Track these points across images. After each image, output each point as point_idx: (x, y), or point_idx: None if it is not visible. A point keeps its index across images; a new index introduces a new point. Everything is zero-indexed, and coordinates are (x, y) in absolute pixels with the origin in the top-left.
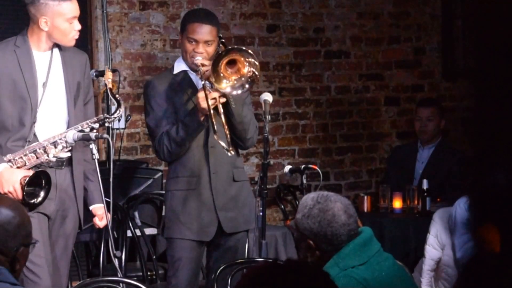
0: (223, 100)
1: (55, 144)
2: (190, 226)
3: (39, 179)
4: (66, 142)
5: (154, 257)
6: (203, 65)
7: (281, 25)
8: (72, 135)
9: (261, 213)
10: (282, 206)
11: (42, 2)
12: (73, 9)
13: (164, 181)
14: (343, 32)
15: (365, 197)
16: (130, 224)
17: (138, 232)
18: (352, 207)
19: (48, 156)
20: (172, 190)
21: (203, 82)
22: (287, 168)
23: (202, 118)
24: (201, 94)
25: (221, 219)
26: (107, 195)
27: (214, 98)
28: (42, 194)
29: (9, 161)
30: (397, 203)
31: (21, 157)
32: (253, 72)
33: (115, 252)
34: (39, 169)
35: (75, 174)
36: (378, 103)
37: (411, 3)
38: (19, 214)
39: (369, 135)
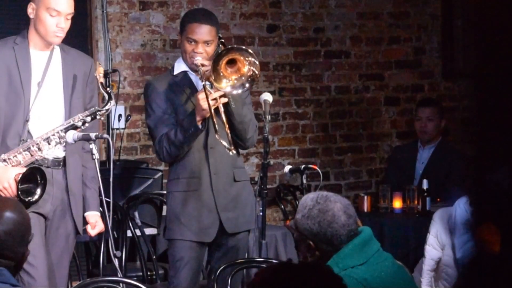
0: (224, 100)
1: (48, 141)
2: (190, 227)
3: (33, 176)
4: (59, 137)
5: (154, 257)
6: (203, 65)
7: (281, 25)
8: (72, 135)
9: (261, 213)
10: (282, 206)
11: None
12: (60, 1)
13: (164, 181)
14: (343, 32)
15: (365, 197)
16: (130, 224)
17: (138, 232)
18: (352, 207)
19: (42, 153)
20: (173, 191)
21: (203, 83)
22: (287, 168)
23: (199, 122)
24: (201, 95)
25: (222, 220)
26: (107, 195)
27: (215, 99)
28: (38, 191)
29: (4, 160)
30: (397, 203)
31: (15, 156)
32: (253, 71)
33: (115, 252)
34: (33, 166)
35: (69, 178)
36: (378, 103)
37: (411, 3)
38: (23, 217)
39: (369, 135)
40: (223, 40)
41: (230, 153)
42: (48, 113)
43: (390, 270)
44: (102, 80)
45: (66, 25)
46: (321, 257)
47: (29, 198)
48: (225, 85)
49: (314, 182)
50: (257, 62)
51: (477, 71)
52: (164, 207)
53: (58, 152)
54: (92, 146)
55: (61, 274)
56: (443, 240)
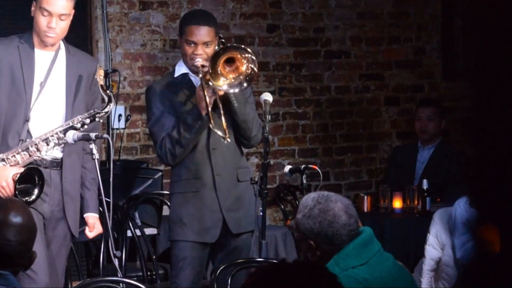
0: (221, 92)
1: (47, 141)
2: (193, 228)
3: (31, 177)
4: (58, 138)
5: (154, 257)
6: (203, 66)
7: (281, 25)
8: (72, 135)
9: (261, 213)
10: (282, 206)
11: None
12: (52, 2)
13: (165, 181)
14: (343, 32)
15: (365, 197)
16: (130, 224)
17: (138, 232)
18: (353, 207)
19: (40, 153)
20: (176, 193)
21: (199, 76)
22: (287, 168)
23: (204, 113)
24: (199, 87)
25: (227, 220)
26: (107, 195)
27: (213, 89)
28: (35, 191)
29: (2, 160)
30: (397, 203)
31: (14, 156)
32: (252, 70)
33: (115, 252)
34: (31, 166)
35: (65, 179)
36: (378, 103)
37: (411, 3)
38: (31, 220)
39: (369, 135)
40: (223, 40)
41: (225, 141)
42: (49, 114)
43: (390, 271)
44: (102, 82)
45: (58, 25)
46: (322, 257)
47: (27, 198)
48: (222, 84)
49: (314, 182)
50: (255, 60)
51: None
52: (164, 207)
53: (56, 153)
54: (92, 146)
55: (58, 271)
56: (443, 240)
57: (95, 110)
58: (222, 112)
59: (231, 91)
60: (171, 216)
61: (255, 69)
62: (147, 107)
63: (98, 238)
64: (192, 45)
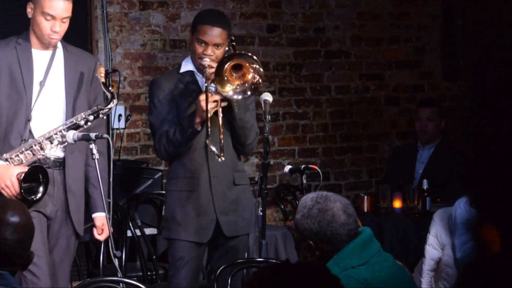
0: (224, 104)
1: (50, 140)
2: (186, 227)
3: (36, 175)
4: (62, 136)
5: (154, 257)
6: (210, 66)
7: (281, 25)
8: (72, 135)
9: (261, 213)
10: (282, 206)
11: None
12: (55, 6)
13: (165, 181)
14: (343, 32)
15: (365, 197)
16: (130, 224)
17: (138, 232)
18: (352, 207)
19: (44, 152)
20: (171, 190)
21: (206, 84)
22: (287, 168)
23: (198, 124)
24: (202, 97)
25: (221, 223)
26: (107, 195)
27: (216, 101)
28: (41, 189)
29: (6, 159)
30: (397, 203)
31: (17, 155)
32: (258, 79)
33: (115, 252)
34: (35, 164)
35: (68, 178)
36: (378, 103)
37: (411, 3)
38: (28, 219)
39: (369, 135)
40: (234, 44)
41: (219, 159)
42: (50, 113)
43: (390, 271)
44: (103, 79)
45: (61, 28)
46: (322, 257)
47: (32, 196)
48: (228, 89)
49: (314, 182)
50: (261, 70)
51: (476, 72)
52: (164, 207)
53: (58, 152)
54: (92, 146)
55: (62, 275)
56: (443, 240)
57: (98, 106)
58: (221, 129)
59: (234, 97)
60: (166, 214)
61: (260, 80)
62: (150, 99)
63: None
64: (203, 44)
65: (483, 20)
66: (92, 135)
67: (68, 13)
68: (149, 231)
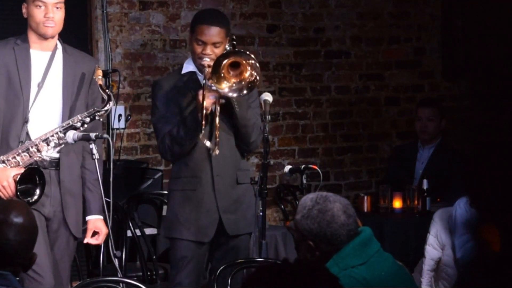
0: (222, 101)
1: (47, 142)
2: (188, 227)
3: (32, 177)
4: (58, 138)
5: (154, 257)
6: (209, 66)
7: (281, 25)
8: (72, 135)
9: (261, 213)
10: (282, 206)
11: None
12: None
13: (165, 181)
14: (343, 32)
15: (365, 197)
16: (130, 224)
17: (138, 232)
18: (351, 207)
19: (41, 154)
20: (174, 189)
21: (204, 81)
22: (287, 168)
23: (199, 115)
24: (200, 91)
25: (224, 222)
26: (107, 195)
27: (214, 97)
28: (37, 191)
29: (3, 162)
30: (397, 203)
31: (14, 157)
32: (255, 77)
33: (115, 252)
34: (32, 166)
35: (64, 178)
36: (378, 103)
37: (411, 3)
38: (31, 220)
39: (369, 135)
40: (234, 43)
41: (213, 153)
42: (48, 115)
43: (390, 270)
44: (101, 82)
45: (56, 15)
46: (321, 257)
47: (29, 198)
48: (224, 87)
49: (314, 182)
50: (259, 69)
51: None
52: (164, 207)
53: (55, 153)
54: (92, 146)
55: (62, 274)
56: (443, 240)
57: (95, 108)
58: (217, 124)
59: (230, 95)
60: (168, 213)
61: (258, 77)
62: (152, 101)
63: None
64: (201, 44)
65: (483, 20)
66: (92, 135)
67: None
68: (149, 231)
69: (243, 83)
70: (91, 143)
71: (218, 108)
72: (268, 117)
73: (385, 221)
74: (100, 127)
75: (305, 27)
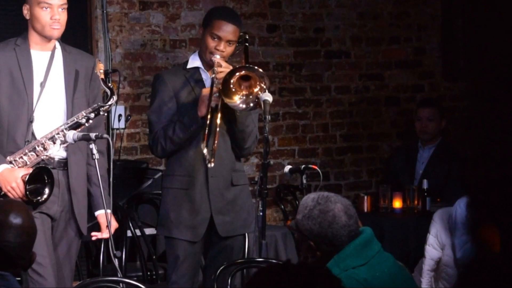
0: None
1: (53, 140)
2: (179, 226)
3: (40, 176)
4: (64, 136)
5: (154, 257)
6: (218, 65)
7: (281, 25)
8: (72, 135)
9: (261, 213)
10: (282, 206)
11: None
12: None
13: None
14: (343, 32)
15: (365, 197)
16: (130, 224)
17: (138, 232)
18: (353, 208)
19: (47, 152)
20: (167, 187)
21: (212, 76)
22: (287, 168)
23: (201, 115)
24: (205, 90)
25: (216, 223)
26: (108, 193)
27: (219, 96)
28: (46, 191)
29: (10, 162)
30: (397, 203)
31: (21, 157)
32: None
33: (115, 252)
34: (39, 165)
35: (71, 177)
36: (378, 103)
37: (411, 3)
38: (30, 220)
39: (369, 135)
40: (247, 44)
41: (209, 165)
42: (51, 114)
43: (391, 271)
44: (102, 76)
45: (61, 16)
46: (322, 257)
47: (38, 198)
48: (231, 97)
49: (314, 182)
50: (267, 87)
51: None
52: (160, 204)
53: (62, 152)
54: (92, 146)
55: (65, 275)
56: (443, 240)
57: (99, 104)
58: (217, 135)
59: (236, 107)
60: (161, 211)
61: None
62: (152, 94)
63: (97, 239)
64: (216, 39)
65: (483, 20)
66: (92, 135)
67: (64, 0)
68: (149, 231)
69: (251, 97)
70: (91, 143)
71: (220, 117)
72: (268, 117)
73: (385, 221)
74: (103, 123)
75: (305, 27)
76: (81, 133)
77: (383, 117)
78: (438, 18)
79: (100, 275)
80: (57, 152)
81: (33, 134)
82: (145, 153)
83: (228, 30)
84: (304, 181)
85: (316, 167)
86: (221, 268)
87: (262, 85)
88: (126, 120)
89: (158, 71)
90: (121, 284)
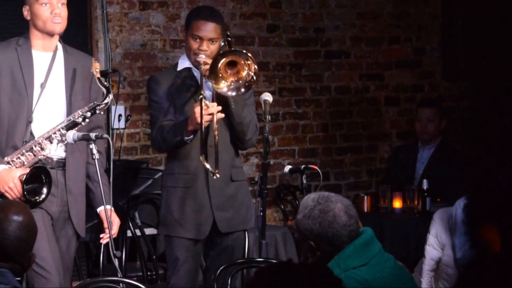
0: (221, 115)
1: (50, 139)
2: (183, 224)
3: (38, 176)
4: (61, 135)
5: (154, 257)
6: (205, 63)
7: (281, 25)
8: (72, 135)
9: (261, 213)
10: (282, 206)
11: None
12: None
13: None
14: (343, 32)
15: (365, 197)
16: (130, 224)
17: (138, 232)
18: (353, 208)
19: (44, 152)
20: (168, 186)
21: (200, 97)
22: (287, 168)
23: (189, 132)
24: (197, 108)
25: (217, 219)
26: (108, 192)
27: (211, 114)
28: (44, 190)
29: (8, 162)
30: (397, 203)
31: (19, 157)
32: (252, 77)
33: (115, 252)
34: (37, 165)
35: (68, 178)
36: (378, 103)
37: (411, 3)
38: (30, 218)
39: (369, 135)
40: (229, 39)
41: (214, 177)
42: (51, 114)
43: (391, 271)
44: (98, 75)
45: (61, 11)
46: (322, 257)
47: (36, 197)
48: (222, 86)
49: (314, 182)
50: (256, 67)
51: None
52: (160, 203)
53: (61, 152)
54: (92, 146)
55: (64, 274)
56: (443, 240)
57: (95, 102)
58: (217, 145)
59: (229, 94)
60: (162, 210)
61: (255, 77)
62: (148, 96)
63: (98, 238)
64: (198, 40)
65: (483, 20)
66: (92, 135)
67: None
68: (149, 231)
69: (240, 82)
70: (90, 143)
71: (217, 128)
72: (268, 117)
73: (385, 221)
74: (103, 122)
75: (305, 27)
76: (81, 133)
77: (383, 117)
78: (438, 18)
79: (100, 275)
80: (54, 151)
81: (31, 135)
82: (145, 153)
83: (207, 29)
84: (304, 181)
85: (316, 167)
86: (221, 268)
87: (250, 66)
88: (126, 120)
89: (158, 71)
90: (121, 284)
